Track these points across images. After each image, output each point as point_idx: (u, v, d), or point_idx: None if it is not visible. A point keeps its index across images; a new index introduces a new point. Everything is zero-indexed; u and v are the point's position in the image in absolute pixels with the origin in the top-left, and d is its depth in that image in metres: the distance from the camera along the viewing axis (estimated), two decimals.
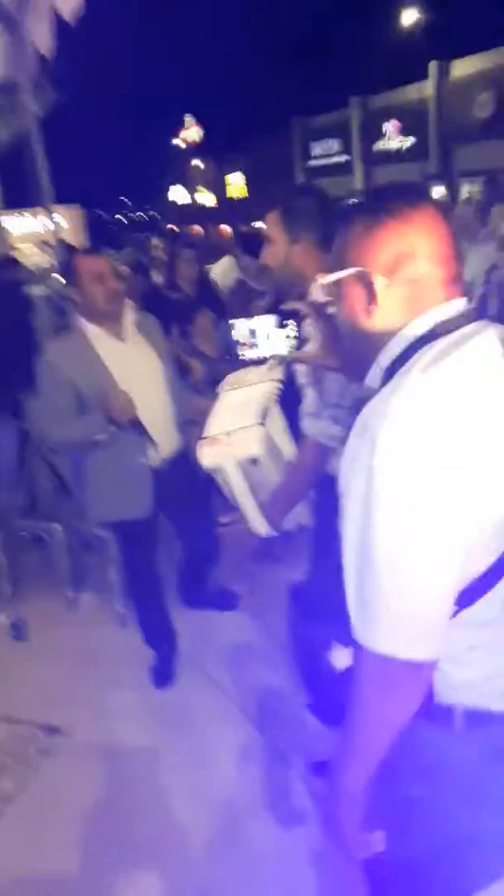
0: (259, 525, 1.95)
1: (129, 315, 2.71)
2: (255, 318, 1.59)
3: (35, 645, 3.36)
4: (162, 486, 2.69)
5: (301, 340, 1.53)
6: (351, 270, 1.08)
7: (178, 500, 2.79)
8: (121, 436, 2.56)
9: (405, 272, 1.05)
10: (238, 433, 1.97)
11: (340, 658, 1.14)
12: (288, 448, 2.11)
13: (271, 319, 1.57)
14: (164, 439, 2.71)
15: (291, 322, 1.54)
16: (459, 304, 1.07)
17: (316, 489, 2.11)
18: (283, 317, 1.53)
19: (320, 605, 1.15)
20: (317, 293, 1.62)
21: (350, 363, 1.24)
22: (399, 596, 0.97)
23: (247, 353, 1.58)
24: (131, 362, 2.64)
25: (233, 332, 1.58)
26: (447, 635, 1.02)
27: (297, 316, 1.54)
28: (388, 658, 0.99)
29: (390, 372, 1.06)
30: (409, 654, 0.99)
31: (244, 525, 1.98)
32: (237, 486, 1.96)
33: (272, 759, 2.46)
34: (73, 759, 2.61)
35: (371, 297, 1.07)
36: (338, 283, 1.12)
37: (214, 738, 2.61)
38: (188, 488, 2.70)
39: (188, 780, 2.43)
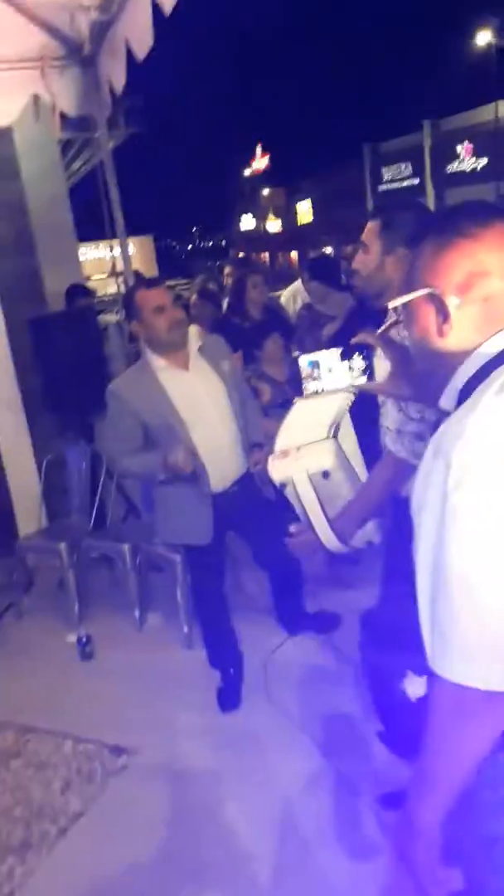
0: (328, 540, 1.91)
1: (194, 341, 2.74)
2: (319, 352, 1.59)
3: (102, 665, 3.40)
4: (229, 511, 2.70)
5: (370, 371, 1.52)
6: (422, 291, 1.07)
7: (248, 522, 2.80)
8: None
9: (477, 291, 1.04)
10: (309, 446, 1.95)
11: (415, 687, 1.10)
12: (359, 462, 2.08)
13: (334, 353, 1.56)
14: (229, 464, 2.72)
15: (357, 354, 1.53)
16: None
17: (389, 511, 2.07)
18: (353, 350, 1.53)
19: (393, 632, 1.13)
20: (390, 316, 1.61)
21: (424, 387, 1.23)
22: (474, 621, 0.94)
23: (309, 387, 1.57)
24: (195, 390, 2.66)
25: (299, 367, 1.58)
26: None
27: (367, 348, 1.53)
28: (464, 687, 0.96)
29: (465, 392, 1.04)
30: (485, 683, 0.96)
31: (311, 537, 1.93)
32: (307, 500, 1.92)
33: (339, 788, 2.40)
34: (138, 779, 2.61)
35: (444, 317, 1.06)
36: (410, 304, 1.12)
37: (280, 763, 2.57)
38: (258, 510, 2.69)
39: (253, 805, 2.40)
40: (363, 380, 1.53)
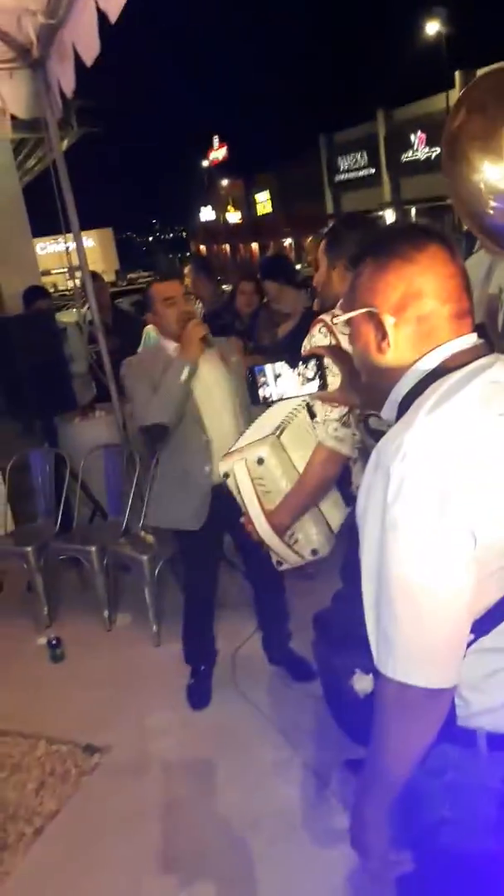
0: (264, 531, 2.04)
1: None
2: (267, 364, 1.66)
3: (73, 666, 3.44)
4: (225, 506, 2.73)
5: (322, 380, 1.60)
6: (362, 310, 1.13)
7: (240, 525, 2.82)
8: (188, 440, 2.67)
9: (412, 311, 1.09)
10: (253, 443, 2.09)
11: (363, 684, 1.17)
12: (302, 465, 2.15)
13: (281, 364, 1.63)
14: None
15: (305, 364, 1.60)
16: (470, 339, 1.11)
17: (348, 517, 2.20)
18: (305, 359, 1.60)
19: (343, 632, 1.19)
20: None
21: (368, 398, 1.29)
22: (414, 624, 1.00)
23: (261, 393, 1.64)
24: (205, 379, 2.73)
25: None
26: (465, 663, 1.05)
27: (319, 358, 1.60)
28: (407, 685, 1.02)
29: (403, 405, 1.10)
30: (426, 681, 1.01)
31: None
32: (243, 486, 2.05)
33: (307, 777, 2.48)
34: (112, 777, 2.66)
35: (382, 335, 1.12)
36: (352, 321, 1.18)
37: (249, 755, 2.64)
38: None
39: (224, 798, 2.47)
40: (315, 388, 1.60)
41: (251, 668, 3.10)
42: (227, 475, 2.16)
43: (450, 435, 1.00)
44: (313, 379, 1.58)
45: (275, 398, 1.63)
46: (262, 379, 1.61)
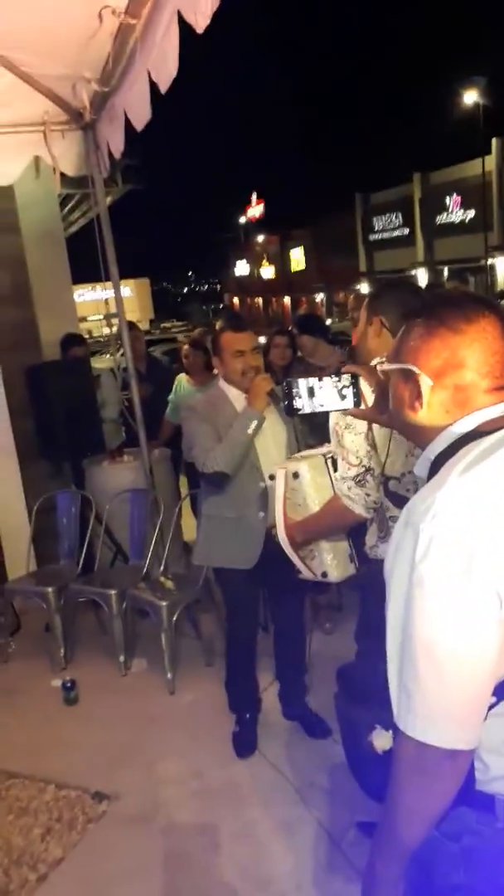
0: (280, 533, 2.25)
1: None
2: (301, 379, 1.74)
3: (86, 710, 3.43)
4: (269, 551, 2.78)
5: (357, 398, 1.68)
6: (402, 366, 1.17)
7: (277, 571, 2.84)
8: (245, 485, 2.73)
9: (450, 379, 1.12)
10: (298, 460, 2.29)
11: (382, 740, 1.17)
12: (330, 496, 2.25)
13: (315, 380, 1.72)
14: None
15: (335, 379, 1.68)
16: None
17: (363, 583, 2.30)
18: (336, 374, 1.70)
19: (365, 687, 1.19)
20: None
21: (398, 428, 1.34)
22: (436, 684, 1.00)
23: (296, 404, 1.72)
24: (263, 429, 2.77)
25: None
26: (487, 726, 1.04)
27: (355, 377, 1.69)
28: (426, 745, 1.01)
29: (436, 465, 1.12)
30: (446, 742, 1.01)
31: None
32: (277, 491, 2.27)
33: (318, 837, 2.44)
34: (119, 826, 2.63)
35: (417, 395, 1.15)
36: (391, 373, 1.22)
37: (260, 812, 2.60)
38: (287, 564, 2.70)
39: (232, 856, 2.42)
40: (350, 404, 1.68)
41: (267, 721, 3.07)
42: (272, 477, 2.37)
43: (480, 497, 1.01)
44: (347, 395, 1.67)
45: (307, 411, 1.72)
46: (296, 390, 1.71)
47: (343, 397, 1.68)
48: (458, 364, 1.11)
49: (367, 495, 2.05)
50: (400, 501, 2.11)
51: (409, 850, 1.09)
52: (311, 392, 1.70)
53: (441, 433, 1.13)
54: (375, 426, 2.03)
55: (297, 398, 1.72)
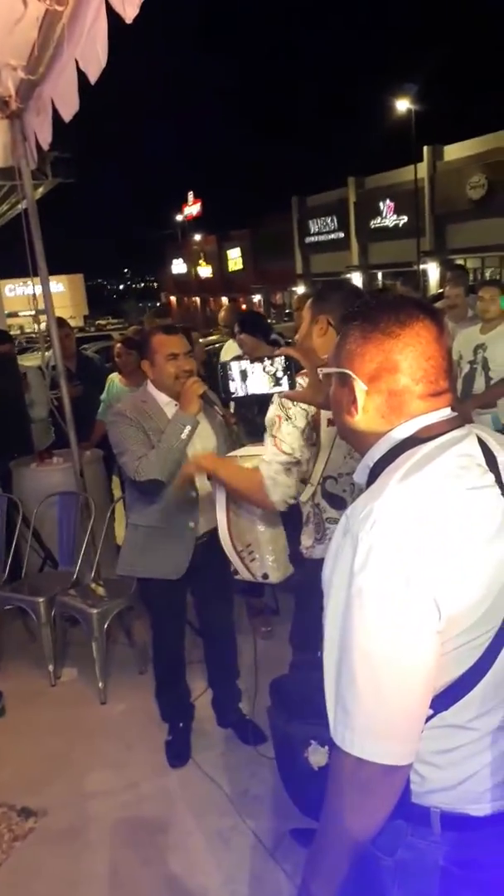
0: (222, 535, 2.18)
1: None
2: (233, 362, 1.73)
3: (13, 721, 3.31)
4: (196, 559, 2.71)
5: (292, 381, 1.67)
6: (338, 370, 1.16)
7: (204, 579, 2.78)
8: (176, 494, 2.61)
9: (384, 383, 1.10)
10: (245, 457, 2.22)
11: (317, 756, 1.14)
12: None
13: (247, 362, 1.71)
14: (210, 512, 2.72)
15: (268, 362, 1.67)
16: (444, 412, 1.12)
17: (298, 585, 2.25)
18: (269, 358, 1.69)
19: (300, 701, 1.16)
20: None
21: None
22: (376, 699, 0.98)
23: (230, 388, 1.70)
24: (195, 435, 2.67)
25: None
26: (423, 738, 1.03)
27: (290, 360, 1.68)
28: (364, 761, 0.99)
29: (375, 471, 1.10)
30: (384, 758, 0.99)
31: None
32: (220, 490, 2.18)
33: (253, 847, 2.40)
34: (46, 843, 2.53)
35: (352, 399, 1.13)
36: (330, 377, 1.21)
37: (193, 822, 2.54)
38: (215, 570, 2.61)
39: (167, 868, 2.36)
40: (285, 387, 1.67)
41: (201, 729, 3.02)
42: (209, 478, 2.25)
43: (419, 505, 0.99)
44: (282, 378, 1.65)
45: (241, 394, 1.69)
46: (230, 373, 1.68)
47: (278, 381, 1.67)
48: (391, 368, 1.09)
49: (288, 487, 2.02)
50: (336, 502, 2.10)
51: (345, 866, 1.06)
52: (243, 375, 1.69)
53: (379, 440, 1.12)
54: (322, 426, 2.02)
55: (231, 381, 1.70)
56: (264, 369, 1.68)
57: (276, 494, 2.00)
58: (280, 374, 1.68)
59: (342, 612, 1.00)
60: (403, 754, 1.00)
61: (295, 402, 1.98)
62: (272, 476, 2.00)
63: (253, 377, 1.68)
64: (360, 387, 1.12)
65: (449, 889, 1.10)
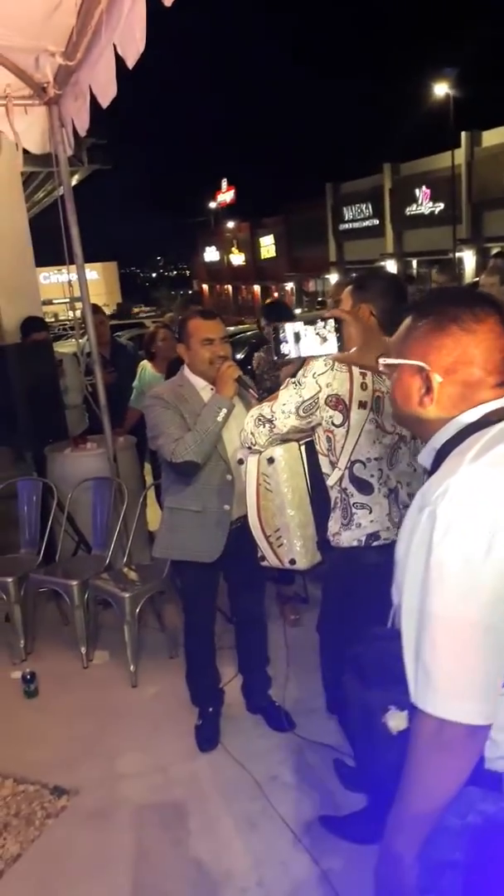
0: (252, 522, 2.24)
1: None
2: (287, 324, 1.74)
3: (46, 702, 3.36)
4: (230, 544, 2.73)
5: (340, 343, 1.70)
6: (415, 362, 1.20)
7: (237, 564, 2.78)
8: (211, 477, 2.68)
9: (460, 376, 1.17)
10: (281, 443, 2.21)
11: (396, 721, 1.17)
12: (303, 484, 2.22)
13: (300, 325, 1.72)
14: (244, 499, 2.74)
15: (320, 324, 1.69)
16: None
17: (325, 574, 2.30)
18: (322, 321, 1.71)
19: (378, 668, 1.22)
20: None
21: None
22: (456, 661, 1.04)
23: (282, 350, 1.72)
24: (230, 420, 2.69)
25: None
26: (498, 703, 1.06)
27: (339, 322, 1.70)
28: (445, 721, 1.04)
29: (441, 453, 1.17)
30: (466, 717, 1.04)
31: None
32: (250, 475, 2.22)
33: (280, 832, 2.41)
34: (78, 821, 2.58)
35: (427, 390, 1.19)
36: (398, 367, 1.24)
37: (221, 806, 2.57)
38: (249, 557, 2.55)
39: (195, 850, 2.39)
40: (333, 349, 1.70)
41: (231, 714, 3.04)
42: (240, 462, 2.30)
43: (492, 481, 1.06)
44: (331, 341, 1.67)
45: (293, 356, 1.72)
46: (283, 335, 1.70)
47: (325, 341, 1.70)
48: (468, 361, 1.16)
49: (252, 435, 2.12)
50: (364, 487, 2.09)
51: (427, 827, 1.11)
52: (297, 337, 1.72)
53: (447, 423, 1.18)
54: (353, 408, 2.03)
55: (283, 343, 1.71)
56: (316, 332, 1.68)
57: (245, 432, 2.14)
58: (329, 336, 1.68)
59: (422, 583, 1.06)
60: (484, 714, 1.05)
61: (315, 374, 2.01)
62: (248, 419, 2.15)
63: (306, 339, 1.70)
64: (436, 379, 1.17)
65: None
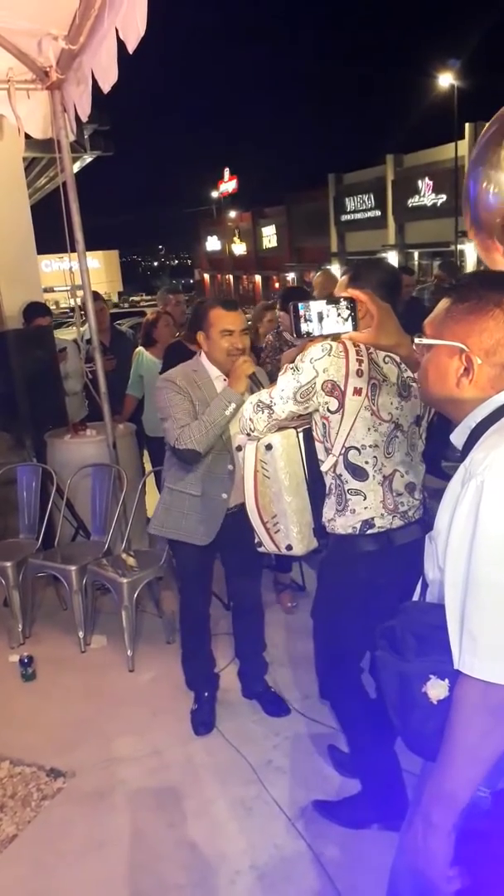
0: (250, 508, 2.26)
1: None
2: (311, 301, 1.76)
3: (44, 686, 3.38)
4: (226, 530, 2.75)
5: (355, 322, 1.72)
6: (454, 343, 1.21)
7: (234, 550, 2.82)
8: (213, 465, 2.70)
9: (499, 357, 1.19)
10: (279, 430, 2.23)
11: (437, 690, 1.18)
12: (300, 471, 2.24)
13: (323, 304, 1.75)
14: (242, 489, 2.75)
15: (337, 305, 1.72)
16: None
17: (322, 560, 2.31)
18: (335, 301, 1.73)
19: (415, 640, 1.23)
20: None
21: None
22: (502, 623, 1.07)
23: (302, 328, 1.74)
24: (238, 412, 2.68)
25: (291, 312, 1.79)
26: None
27: (353, 302, 1.72)
28: (491, 685, 1.07)
29: (476, 431, 1.20)
30: None
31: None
32: (248, 462, 2.25)
33: (274, 815, 2.44)
34: (74, 803, 2.60)
35: (466, 371, 1.20)
36: (433, 347, 1.25)
37: (216, 789, 2.59)
38: (245, 545, 2.58)
39: (190, 833, 2.41)
40: (349, 328, 1.72)
41: (226, 699, 3.06)
42: (239, 448, 2.33)
43: None
44: (347, 319, 1.68)
45: (315, 334, 1.75)
46: (305, 313, 1.71)
47: (343, 321, 1.72)
48: None
49: (251, 421, 2.14)
50: (358, 473, 2.10)
51: (466, 795, 1.12)
52: (320, 316, 1.73)
53: (482, 403, 1.20)
54: (348, 395, 2.04)
55: (305, 321, 1.73)
56: (338, 312, 1.72)
57: (260, 422, 2.14)
58: (344, 314, 1.72)
59: (467, 551, 1.10)
60: None
61: (313, 360, 2.04)
62: (246, 405, 2.17)
63: (328, 319, 1.72)
64: (476, 360, 1.19)
65: None
